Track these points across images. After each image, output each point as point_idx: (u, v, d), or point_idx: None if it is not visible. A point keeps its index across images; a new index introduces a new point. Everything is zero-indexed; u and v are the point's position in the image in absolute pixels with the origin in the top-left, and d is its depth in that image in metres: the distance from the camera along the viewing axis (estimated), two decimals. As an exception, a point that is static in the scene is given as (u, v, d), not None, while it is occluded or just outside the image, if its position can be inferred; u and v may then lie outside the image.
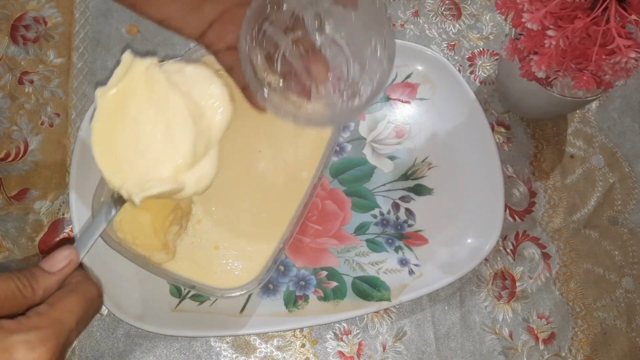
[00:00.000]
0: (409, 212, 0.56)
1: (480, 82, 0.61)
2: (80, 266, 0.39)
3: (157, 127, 0.39)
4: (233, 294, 0.50)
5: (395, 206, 0.56)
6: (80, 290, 0.37)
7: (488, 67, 0.61)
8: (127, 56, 0.39)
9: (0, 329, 0.32)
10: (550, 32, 0.41)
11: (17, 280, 0.34)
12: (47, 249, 0.54)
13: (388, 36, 0.41)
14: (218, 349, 0.53)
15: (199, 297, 0.53)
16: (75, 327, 0.34)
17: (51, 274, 0.37)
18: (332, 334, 0.54)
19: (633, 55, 0.39)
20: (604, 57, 0.41)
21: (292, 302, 0.53)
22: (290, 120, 0.40)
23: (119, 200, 0.41)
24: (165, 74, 0.39)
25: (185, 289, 0.53)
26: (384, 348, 0.54)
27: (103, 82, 0.38)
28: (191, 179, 0.39)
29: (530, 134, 0.60)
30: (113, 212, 0.41)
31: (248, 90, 0.43)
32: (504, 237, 0.57)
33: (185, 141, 0.38)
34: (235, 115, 0.41)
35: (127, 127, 0.39)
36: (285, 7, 0.43)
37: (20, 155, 0.56)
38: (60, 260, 0.37)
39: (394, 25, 0.62)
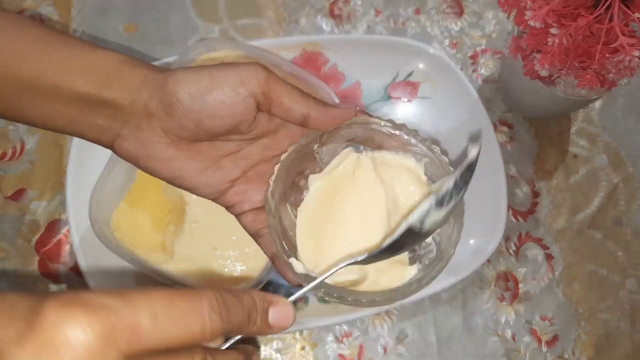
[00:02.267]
0: (410, 212, 0.55)
1: (483, 81, 0.60)
2: None
3: (355, 216, 0.40)
4: (232, 296, 0.49)
5: (396, 206, 0.55)
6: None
7: (490, 66, 0.61)
8: (346, 151, 0.41)
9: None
10: (553, 30, 0.40)
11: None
12: (44, 249, 0.54)
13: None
14: (217, 351, 0.52)
15: (198, 299, 0.53)
16: None
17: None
18: (333, 337, 0.53)
19: (637, 53, 0.39)
20: (607, 55, 0.40)
21: (292, 303, 0.53)
22: (329, 298, 0.38)
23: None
24: (374, 162, 0.42)
25: (183, 290, 0.53)
26: (385, 350, 0.53)
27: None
28: (372, 272, 0.39)
29: (533, 133, 0.59)
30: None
31: (278, 260, 0.39)
32: (506, 238, 0.56)
33: (376, 236, 0.40)
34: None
35: (331, 214, 0.40)
36: (319, 158, 0.42)
37: (17, 155, 0.56)
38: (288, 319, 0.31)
39: (394, 24, 0.61)
